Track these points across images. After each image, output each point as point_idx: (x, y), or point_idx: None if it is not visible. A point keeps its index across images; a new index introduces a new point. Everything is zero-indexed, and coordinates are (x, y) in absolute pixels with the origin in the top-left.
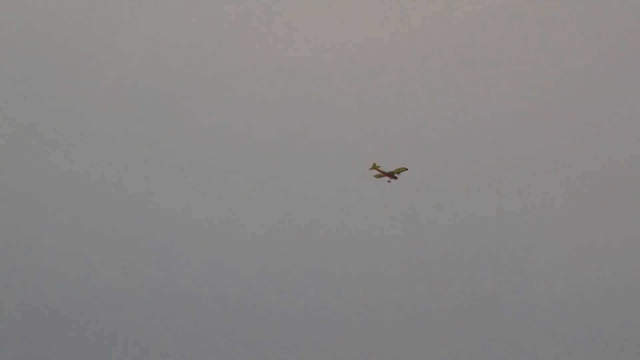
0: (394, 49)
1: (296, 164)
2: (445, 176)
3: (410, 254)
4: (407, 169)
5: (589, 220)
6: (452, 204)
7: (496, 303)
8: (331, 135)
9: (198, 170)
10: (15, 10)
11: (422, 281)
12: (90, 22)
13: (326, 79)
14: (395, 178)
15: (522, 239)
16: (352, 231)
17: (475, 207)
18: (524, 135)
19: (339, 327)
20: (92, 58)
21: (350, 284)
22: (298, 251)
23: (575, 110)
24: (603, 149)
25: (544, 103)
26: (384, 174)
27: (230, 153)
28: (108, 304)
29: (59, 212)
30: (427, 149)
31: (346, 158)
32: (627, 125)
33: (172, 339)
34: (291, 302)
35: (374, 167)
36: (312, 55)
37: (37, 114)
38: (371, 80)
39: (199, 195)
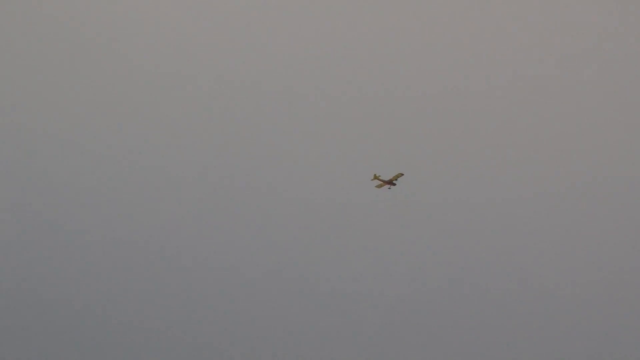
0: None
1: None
2: (442, 177)
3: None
4: (402, 174)
5: (588, 220)
6: (449, 204)
7: (493, 299)
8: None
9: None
10: None
11: (422, 277)
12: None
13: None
14: (394, 184)
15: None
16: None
17: (471, 208)
18: (523, 135)
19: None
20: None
21: (355, 280)
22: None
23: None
24: (601, 145)
25: (541, 104)
26: (385, 182)
27: (237, 161)
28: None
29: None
30: (423, 153)
31: (349, 168)
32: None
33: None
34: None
35: (375, 177)
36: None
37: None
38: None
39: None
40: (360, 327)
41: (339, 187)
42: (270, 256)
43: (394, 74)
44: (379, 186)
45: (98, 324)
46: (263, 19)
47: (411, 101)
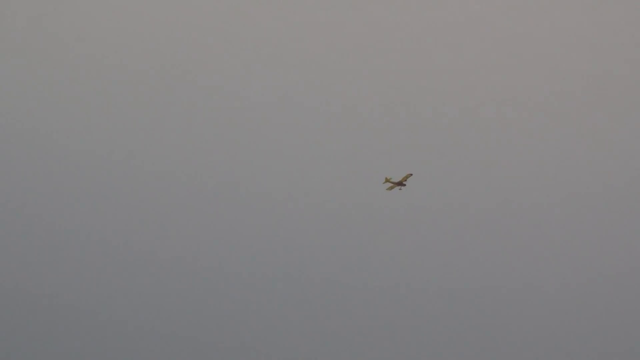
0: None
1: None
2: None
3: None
4: (411, 174)
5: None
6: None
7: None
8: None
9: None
10: None
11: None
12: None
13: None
14: (404, 185)
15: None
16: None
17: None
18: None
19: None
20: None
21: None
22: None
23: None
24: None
25: (545, 107)
26: (395, 184)
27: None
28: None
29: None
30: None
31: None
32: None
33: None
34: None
35: (387, 180)
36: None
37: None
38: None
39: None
40: (372, 326)
41: (352, 191)
42: (286, 258)
43: (402, 79)
44: (390, 188)
45: (99, 325)
46: (279, 22)
47: (420, 105)
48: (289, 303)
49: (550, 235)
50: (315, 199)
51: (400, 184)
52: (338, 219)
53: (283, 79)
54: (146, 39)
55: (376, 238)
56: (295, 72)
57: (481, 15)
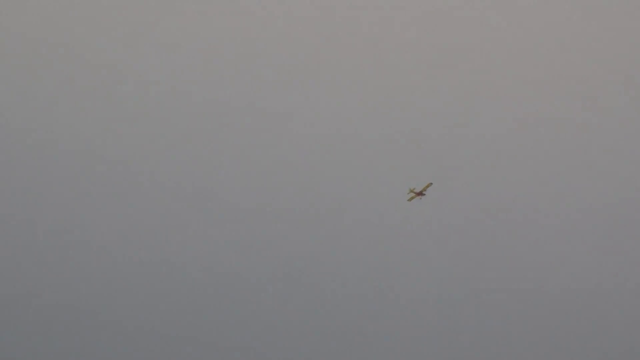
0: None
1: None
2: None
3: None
4: (431, 184)
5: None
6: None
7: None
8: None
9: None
10: None
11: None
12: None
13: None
14: (424, 195)
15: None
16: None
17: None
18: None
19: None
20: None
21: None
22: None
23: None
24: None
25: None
26: (417, 194)
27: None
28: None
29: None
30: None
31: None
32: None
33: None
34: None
35: (411, 190)
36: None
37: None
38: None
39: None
40: (374, 327)
41: (376, 201)
42: (309, 269)
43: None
44: (411, 199)
45: (99, 325)
46: (296, 26)
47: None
48: (291, 304)
49: (566, 241)
50: (331, 206)
51: (421, 193)
52: (344, 222)
53: (301, 87)
54: (144, 40)
55: (391, 246)
56: (315, 80)
57: (511, 28)
